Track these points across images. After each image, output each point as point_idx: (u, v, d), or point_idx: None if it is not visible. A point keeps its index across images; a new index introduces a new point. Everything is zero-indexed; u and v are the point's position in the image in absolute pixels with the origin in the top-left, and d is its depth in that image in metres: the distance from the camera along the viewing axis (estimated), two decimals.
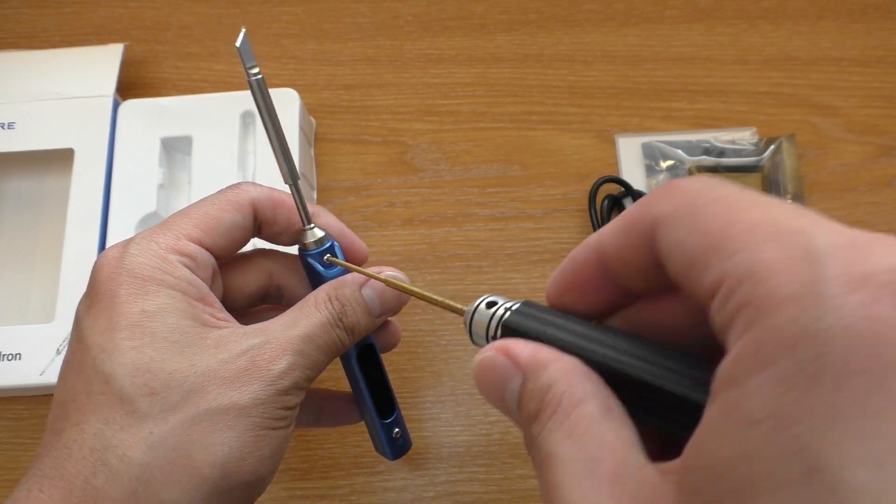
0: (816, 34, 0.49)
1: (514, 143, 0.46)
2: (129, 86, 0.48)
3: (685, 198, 0.15)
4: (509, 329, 0.19)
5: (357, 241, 0.30)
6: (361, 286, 0.27)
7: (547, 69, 0.48)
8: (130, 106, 0.43)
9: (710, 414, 0.13)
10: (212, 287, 0.26)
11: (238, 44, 0.24)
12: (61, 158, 0.42)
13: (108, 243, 0.40)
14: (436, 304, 0.23)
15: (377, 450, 0.33)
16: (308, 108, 0.46)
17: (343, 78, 0.49)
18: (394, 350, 0.41)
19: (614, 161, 0.46)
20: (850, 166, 0.45)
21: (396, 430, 0.31)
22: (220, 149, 0.41)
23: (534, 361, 0.17)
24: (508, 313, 0.20)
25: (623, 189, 0.44)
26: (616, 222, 0.17)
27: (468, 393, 0.40)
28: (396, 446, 0.32)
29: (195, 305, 0.24)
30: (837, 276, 0.11)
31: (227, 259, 0.27)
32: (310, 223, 0.27)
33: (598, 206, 0.43)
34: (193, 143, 0.42)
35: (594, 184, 0.44)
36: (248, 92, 0.42)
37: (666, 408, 0.16)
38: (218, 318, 0.25)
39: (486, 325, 0.20)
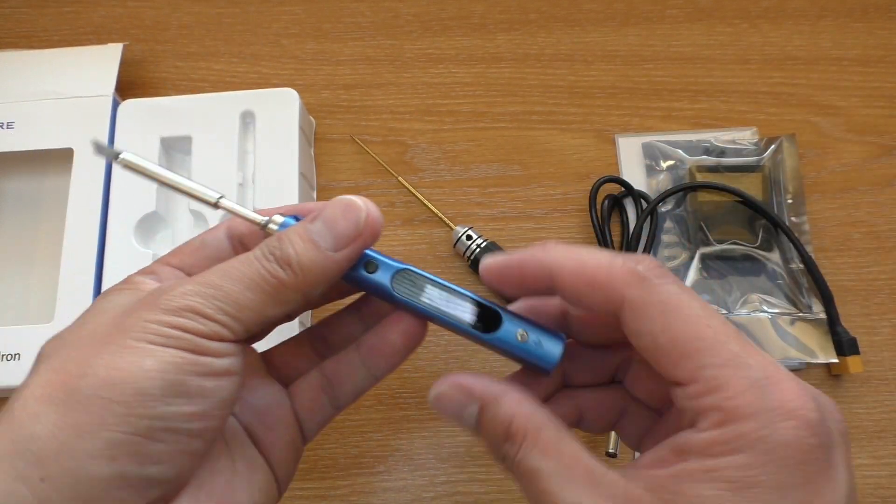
0: (817, 34, 0.49)
1: (514, 143, 0.46)
2: (129, 85, 0.48)
3: (653, 293, 0.21)
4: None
5: (313, 206, 0.28)
6: (314, 220, 0.24)
7: (547, 69, 0.48)
8: (130, 106, 0.43)
9: (688, 466, 0.20)
10: None
11: (94, 152, 0.25)
12: (61, 158, 0.42)
13: (108, 243, 0.40)
14: None
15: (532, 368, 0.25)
16: (308, 108, 0.46)
17: (343, 78, 0.48)
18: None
19: (614, 161, 0.46)
20: (851, 166, 0.45)
21: (518, 331, 0.25)
22: (219, 148, 0.41)
23: (490, 396, 0.23)
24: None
25: (623, 189, 0.44)
26: (577, 266, 0.23)
27: None
28: (533, 349, 0.25)
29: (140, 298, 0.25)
30: (775, 406, 0.20)
31: (204, 264, 0.27)
32: (262, 221, 0.26)
33: (598, 206, 0.43)
34: (193, 143, 0.42)
35: (594, 184, 0.44)
36: (248, 92, 0.42)
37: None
38: None
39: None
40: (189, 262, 0.26)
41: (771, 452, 0.19)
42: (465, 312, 0.25)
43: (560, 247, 0.24)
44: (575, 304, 0.24)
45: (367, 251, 0.26)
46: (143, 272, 0.26)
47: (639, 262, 0.22)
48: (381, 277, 0.25)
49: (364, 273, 0.25)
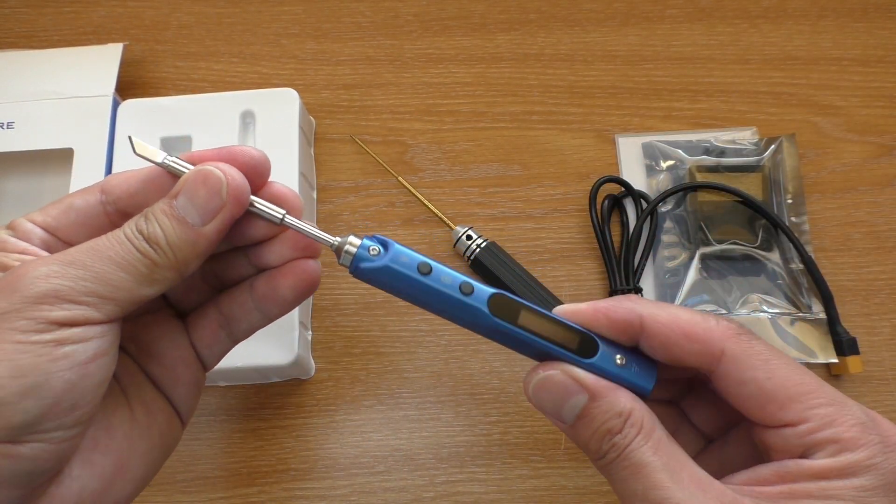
0: (817, 33, 0.49)
1: (514, 143, 0.46)
2: (129, 85, 0.48)
3: (753, 346, 0.24)
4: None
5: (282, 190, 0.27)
6: (177, 195, 0.23)
7: (547, 69, 0.48)
8: (130, 105, 0.43)
9: (801, 486, 0.22)
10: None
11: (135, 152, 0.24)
12: (61, 158, 0.42)
13: None
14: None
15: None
16: (308, 108, 0.46)
17: (343, 78, 0.49)
18: (394, 350, 0.41)
19: (614, 161, 0.46)
20: (851, 166, 0.45)
21: (617, 356, 0.25)
22: None
23: (604, 387, 0.24)
24: None
25: (623, 189, 0.44)
26: (671, 319, 0.24)
27: (468, 393, 0.40)
28: (631, 374, 0.25)
29: None
30: (882, 440, 0.22)
31: (71, 230, 0.25)
32: (332, 241, 0.26)
33: (598, 206, 0.43)
34: (193, 143, 0.42)
35: (594, 184, 0.44)
36: (248, 91, 0.42)
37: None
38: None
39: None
40: (54, 224, 0.25)
41: (882, 478, 0.22)
42: (558, 337, 0.25)
43: (647, 300, 0.25)
44: (660, 351, 0.24)
45: (457, 273, 0.26)
46: (5, 226, 0.24)
47: (731, 321, 0.24)
48: (478, 302, 0.25)
49: (460, 296, 0.25)
